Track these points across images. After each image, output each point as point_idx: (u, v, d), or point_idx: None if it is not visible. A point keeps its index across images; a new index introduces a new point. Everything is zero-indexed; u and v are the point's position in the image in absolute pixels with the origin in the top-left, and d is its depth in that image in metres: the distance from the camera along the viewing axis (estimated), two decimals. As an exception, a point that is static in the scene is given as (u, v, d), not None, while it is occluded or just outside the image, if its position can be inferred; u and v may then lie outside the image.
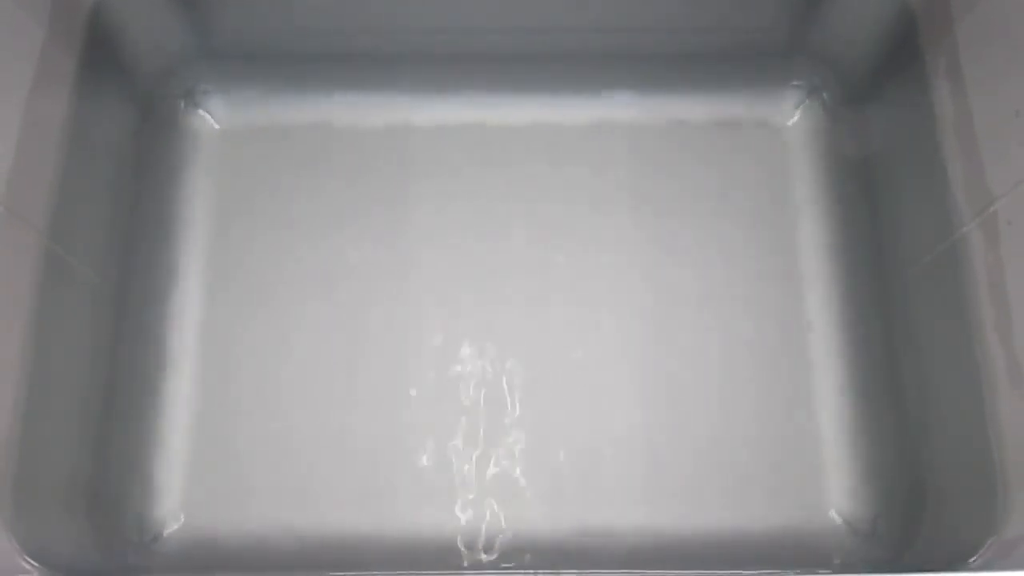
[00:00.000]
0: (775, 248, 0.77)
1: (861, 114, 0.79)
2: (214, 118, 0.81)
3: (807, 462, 0.72)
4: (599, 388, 0.74)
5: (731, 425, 0.73)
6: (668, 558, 0.70)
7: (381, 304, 0.76)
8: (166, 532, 0.71)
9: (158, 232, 0.77)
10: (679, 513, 0.71)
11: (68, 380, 0.68)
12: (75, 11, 0.70)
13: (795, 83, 0.81)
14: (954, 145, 0.67)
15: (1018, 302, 0.60)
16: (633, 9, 0.78)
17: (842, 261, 0.77)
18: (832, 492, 0.72)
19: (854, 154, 0.79)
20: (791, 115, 0.81)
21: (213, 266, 0.77)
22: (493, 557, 0.70)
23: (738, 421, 0.73)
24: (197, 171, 0.79)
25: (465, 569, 0.70)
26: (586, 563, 0.70)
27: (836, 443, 0.73)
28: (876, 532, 0.71)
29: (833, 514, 0.71)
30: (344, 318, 0.75)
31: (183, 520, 0.71)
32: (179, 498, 0.71)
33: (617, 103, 0.81)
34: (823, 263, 0.77)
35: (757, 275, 0.77)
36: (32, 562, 0.58)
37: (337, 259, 0.77)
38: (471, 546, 0.70)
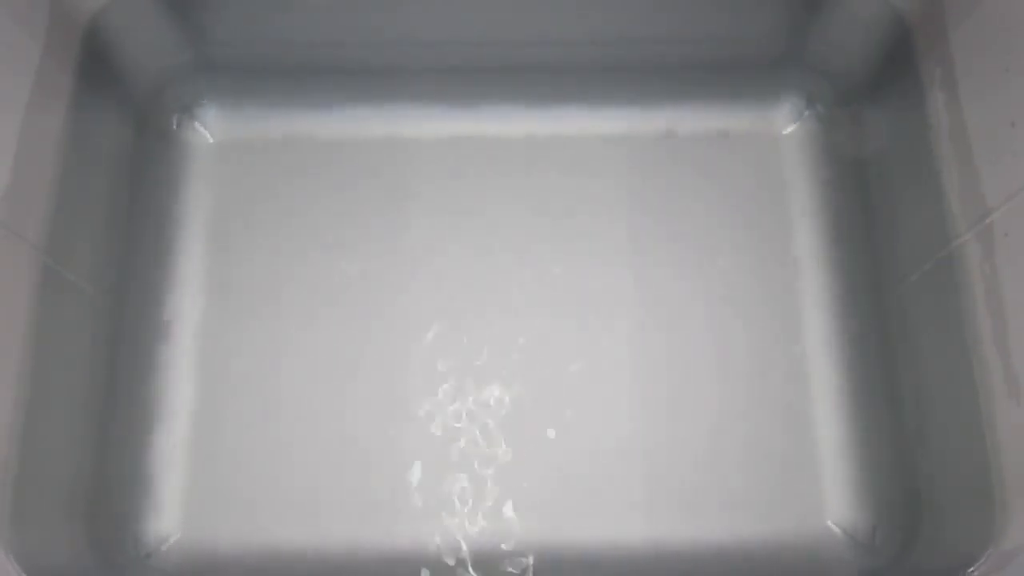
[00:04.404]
0: (771, 259, 0.77)
1: (857, 124, 0.79)
2: (210, 131, 0.81)
3: (805, 473, 0.72)
4: (596, 400, 0.74)
5: (729, 436, 0.73)
6: (666, 570, 0.70)
7: (378, 316, 0.76)
8: (163, 547, 0.71)
9: (155, 246, 0.77)
10: (677, 525, 0.71)
11: (66, 395, 0.68)
12: (71, 26, 0.70)
13: (790, 94, 0.81)
14: (950, 156, 0.67)
15: (1015, 313, 0.61)
16: (629, 21, 0.78)
17: (838, 271, 0.77)
18: (830, 503, 0.72)
19: (850, 164, 0.79)
20: (787, 126, 0.81)
21: (210, 279, 0.77)
22: (491, 571, 0.70)
23: (736, 432, 0.73)
24: (193, 184, 0.79)
25: (463, 582, 0.70)
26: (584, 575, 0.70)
27: (834, 454, 0.73)
28: (874, 543, 0.71)
29: (831, 525, 0.71)
30: (342, 330, 0.75)
31: (180, 535, 0.71)
32: (176, 512, 0.71)
33: (613, 114, 0.81)
34: (819, 273, 0.77)
35: (754, 286, 0.77)
36: (28, 579, 0.58)
37: (334, 272, 0.77)
38: (469, 560, 0.70)
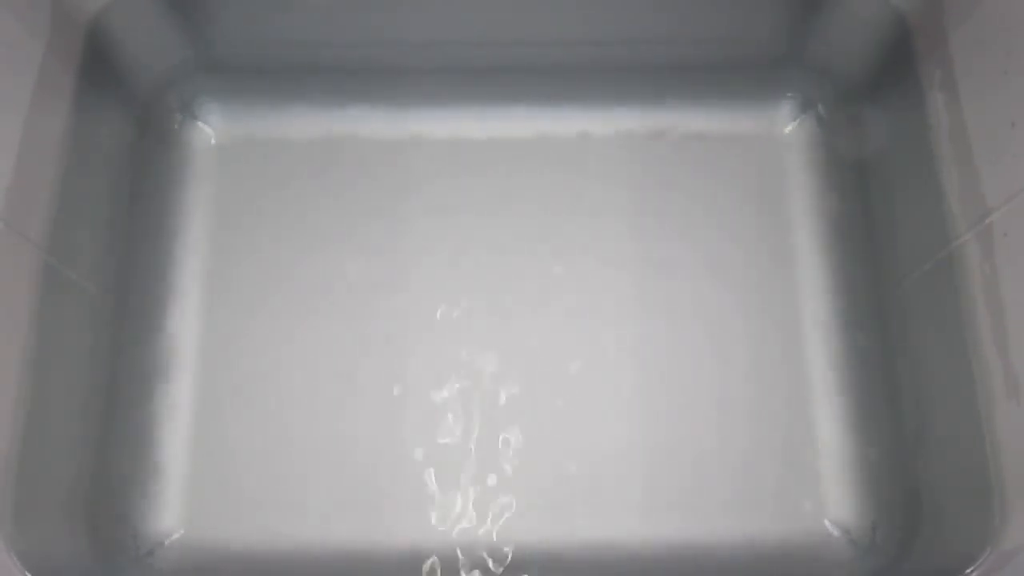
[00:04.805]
0: (771, 259, 0.78)
1: (857, 125, 0.79)
2: (212, 131, 0.81)
3: (804, 473, 0.72)
4: (597, 400, 0.74)
5: (728, 436, 0.73)
6: (666, 570, 0.70)
7: (379, 316, 0.76)
8: (164, 545, 0.71)
9: (156, 245, 0.78)
10: (677, 525, 0.71)
11: (67, 393, 0.68)
12: (74, 26, 0.70)
13: (790, 95, 0.81)
14: (949, 156, 0.67)
15: (1014, 313, 0.61)
16: (629, 22, 0.78)
17: (838, 271, 0.77)
18: (829, 503, 0.72)
19: (850, 165, 0.80)
20: (787, 126, 0.81)
21: (211, 279, 0.77)
22: (492, 571, 0.70)
23: (735, 433, 0.73)
24: (195, 184, 0.80)
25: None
26: (584, 575, 0.70)
27: (833, 454, 0.73)
28: (873, 543, 0.71)
29: (830, 525, 0.71)
30: (342, 330, 0.76)
31: (181, 533, 0.71)
32: (177, 510, 0.72)
33: (614, 114, 0.81)
34: (819, 274, 0.77)
35: (753, 286, 0.77)
36: (30, 576, 0.59)
37: (335, 271, 0.77)
38: (470, 561, 0.70)
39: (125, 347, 0.75)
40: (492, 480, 0.72)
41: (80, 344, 0.71)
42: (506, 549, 0.71)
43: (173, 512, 0.72)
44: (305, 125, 0.81)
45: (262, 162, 0.80)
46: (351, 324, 0.76)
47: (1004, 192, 0.62)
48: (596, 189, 0.79)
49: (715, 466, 0.73)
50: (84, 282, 0.71)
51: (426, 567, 0.70)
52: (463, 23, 0.78)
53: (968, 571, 0.59)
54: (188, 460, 0.73)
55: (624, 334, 0.76)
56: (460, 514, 0.72)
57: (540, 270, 0.77)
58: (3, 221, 0.61)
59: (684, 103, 0.81)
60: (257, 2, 0.77)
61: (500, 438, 0.73)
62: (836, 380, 0.74)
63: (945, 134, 0.68)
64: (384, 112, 0.82)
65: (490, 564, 0.70)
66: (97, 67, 0.72)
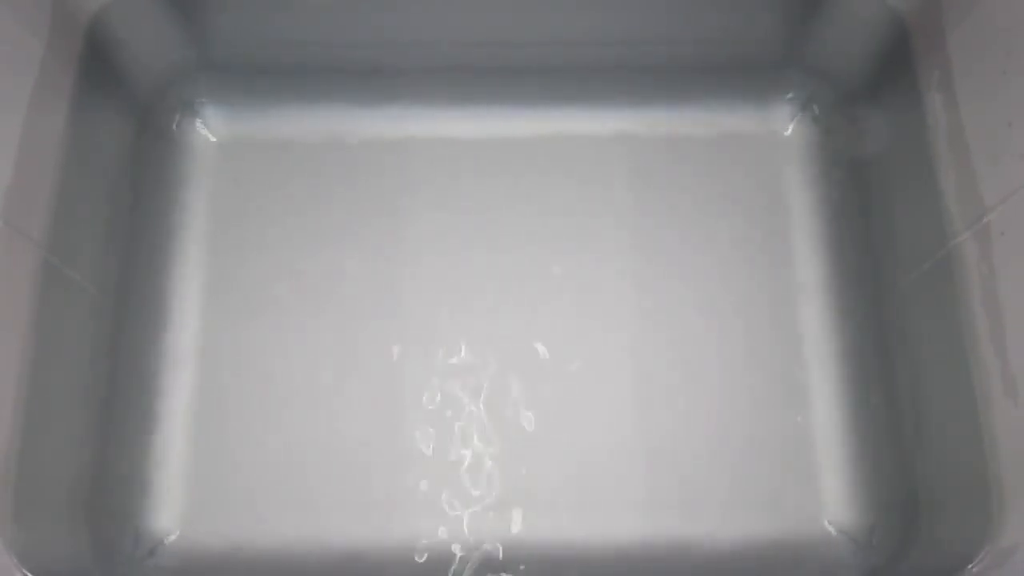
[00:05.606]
0: (771, 259, 0.78)
1: (855, 126, 0.79)
2: (211, 131, 0.81)
3: (803, 473, 0.72)
4: (596, 399, 0.74)
5: (727, 436, 0.73)
6: (665, 569, 0.70)
7: (378, 315, 0.76)
8: (163, 544, 0.71)
9: (156, 245, 0.78)
10: (676, 524, 0.71)
11: (66, 392, 0.68)
12: (74, 25, 0.70)
13: (789, 96, 0.81)
14: (947, 156, 0.68)
15: (1011, 312, 0.61)
16: (630, 23, 0.78)
17: (837, 271, 0.77)
18: (828, 502, 0.72)
19: (848, 165, 0.80)
20: (785, 127, 0.82)
21: (210, 278, 0.77)
22: (491, 568, 0.70)
23: (734, 432, 0.73)
24: (194, 183, 0.80)
25: (463, 580, 0.70)
26: (583, 574, 0.70)
27: (832, 453, 0.73)
28: (872, 542, 0.71)
29: (828, 524, 0.72)
30: (342, 329, 0.76)
31: (180, 532, 0.71)
32: (176, 510, 0.72)
33: (614, 115, 0.81)
34: (818, 273, 0.77)
35: (753, 286, 0.77)
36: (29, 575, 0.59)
37: (335, 271, 0.77)
38: (468, 558, 0.70)
39: (125, 347, 0.75)
40: (492, 479, 0.72)
41: (80, 342, 0.70)
42: (505, 549, 0.71)
43: (173, 512, 0.72)
44: (305, 125, 0.81)
45: (262, 162, 0.80)
46: (351, 324, 0.76)
47: (1001, 191, 0.62)
48: (596, 189, 0.79)
49: (714, 466, 0.73)
50: (84, 281, 0.71)
51: (425, 567, 0.70)
52: (463, 23, 0.79)
53: (966, 569, 0.59)
54: (188, 460, 0.73)
55: (623, 334, 0.76)
56: (460, 514, 0.72)
57: (540, 270, 0.77)
58: (3, 220, 0.61)
59: (684, 103, 0.82)
60: (257, 2, 0.77)
61: (500, 437, 0.73)
62: (835, 379, 0.75)
63: (943, 134, 0.68)
64: (384, 112, 0.82)
65: (489, 563, 0.70)
66: (97, 66, 0.72)
